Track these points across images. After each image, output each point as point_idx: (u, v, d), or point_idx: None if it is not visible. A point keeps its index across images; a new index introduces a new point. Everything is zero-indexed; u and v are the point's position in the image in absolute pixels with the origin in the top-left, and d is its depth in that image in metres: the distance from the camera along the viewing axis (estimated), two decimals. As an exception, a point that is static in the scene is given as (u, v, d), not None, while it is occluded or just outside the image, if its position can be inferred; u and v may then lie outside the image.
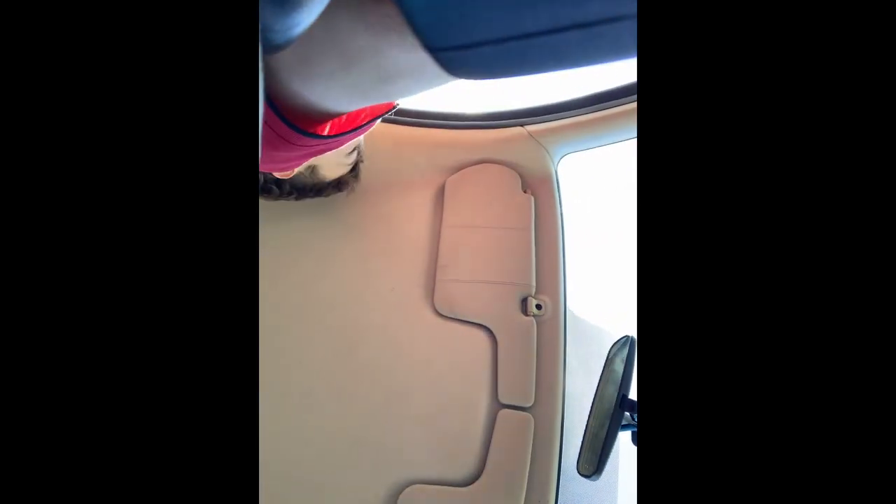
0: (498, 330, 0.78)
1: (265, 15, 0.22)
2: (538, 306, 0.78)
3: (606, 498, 0.93)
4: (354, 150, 0.68)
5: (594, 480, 0.62)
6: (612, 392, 0.65)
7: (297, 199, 0.72)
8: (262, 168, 0.52)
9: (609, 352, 0.72)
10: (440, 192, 0.86)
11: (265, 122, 0.36)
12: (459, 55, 0.30)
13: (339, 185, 0.74)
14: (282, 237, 0.84)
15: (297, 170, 0.62)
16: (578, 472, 0.65)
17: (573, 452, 0.69)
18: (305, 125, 0.41)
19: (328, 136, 0.44)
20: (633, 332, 0.70)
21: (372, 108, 0.48)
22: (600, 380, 0.69)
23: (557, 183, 0.84)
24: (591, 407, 0.68)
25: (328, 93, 0.38)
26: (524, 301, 0.79)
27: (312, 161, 0.62)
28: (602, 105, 0.78)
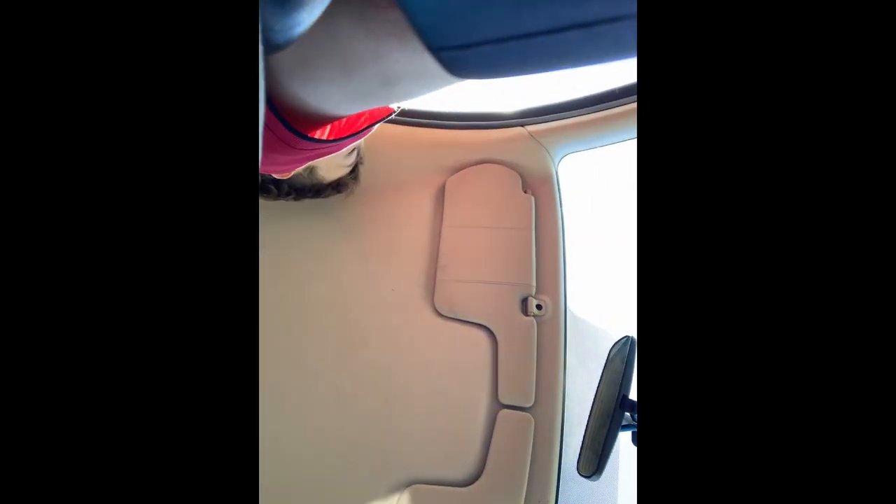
0: (498, 330, 0.78)
1: (266, 14, 0.22)
2: (538, 306, 0.78)
3: (606, 498, 0.93)
4: (353, 151, 0.68)
5: (594, 481, 0.62)
6: (612, 392, 0.65)
7: (295, 199, 0.72)
8: (261, 170, 0.52)
9: (609, 352, 0.72)
10: (440, 192, 0.86)
11: (266, 126, 0.36)
12: (461, 55, 0.30)
13: (338, 186, 0.74)
14: (282, 237, 0.85)
15: (295, 171, 0.62)
16: (578, 472, 0.65)
17: (573, 453, 0.69)
18: (306, 129, 0.41)
19: (328, 141, 0.44)
20: (633, 333, 0.70)
21: (371, 112, 0.48)
22: (600, 380, 0.69)
23: (558, 183, 0.84)
24: (592, 407, 0.68)
25: (329, 97, 0.38)
26: (524, 301, 0.79)
27: (311, 162, 0.62)
28: (602, 105, 0.79)
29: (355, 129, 0.47)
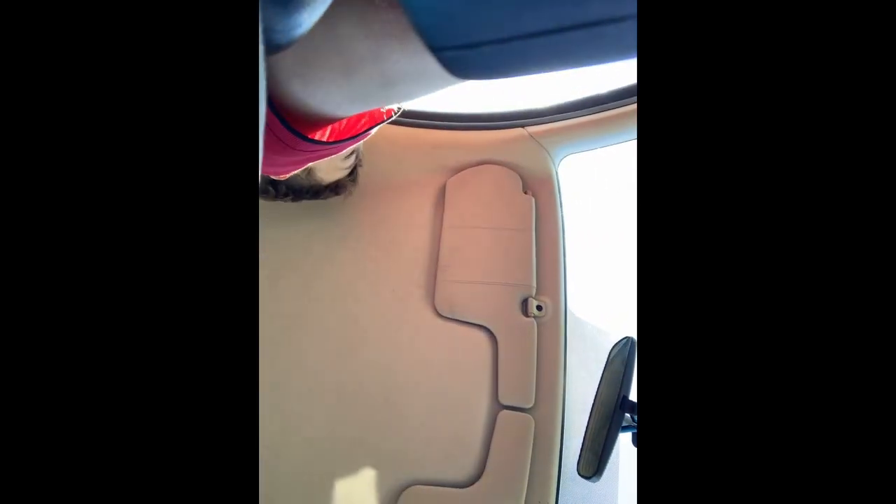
0: (498, 331, 0.78)
1: (267, 15, 0.22)
2: (539, 307, 0.78)
3: (606, 499, 0.93)
4: (352, 154, 0.68)
5: (594, 482, 0.62)
6: (612, 393, 0.65)
7: (293, 200, 0.72)
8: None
9: (609, 353, 0.72)
10: (441, 193, 0.86)
11: (266, 126, 0.36)
12: (462, 55, 0.30)
13: (336, 188, 0.74)
14: (282, 237, 0.85)
15: (293, 172, 0.62)
16: (579, 473, 0.65)
17: (573, 454, 0.69)
18: (306, 130, 0.41)
19: (328, 143, 0.44)
20: (634, 333, 0.70)
21: (371, 114, 0.48)
22: (600, 381, 0.69)
23: (558, 184, 0.84)
24: (592, 408, 0.68)
25: (330, 98, 0.38)
26: (525, 302, 0.79)
27: (309, 164, 0.62)
28: (603, 106, 0.79)
29: (355, 131, 0.47)
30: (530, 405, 0.75)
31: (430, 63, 0.31)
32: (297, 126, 0.40)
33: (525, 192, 0.83)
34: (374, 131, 0.50)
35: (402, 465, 0.74)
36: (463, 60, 0.31)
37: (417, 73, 0.33)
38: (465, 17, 0.28)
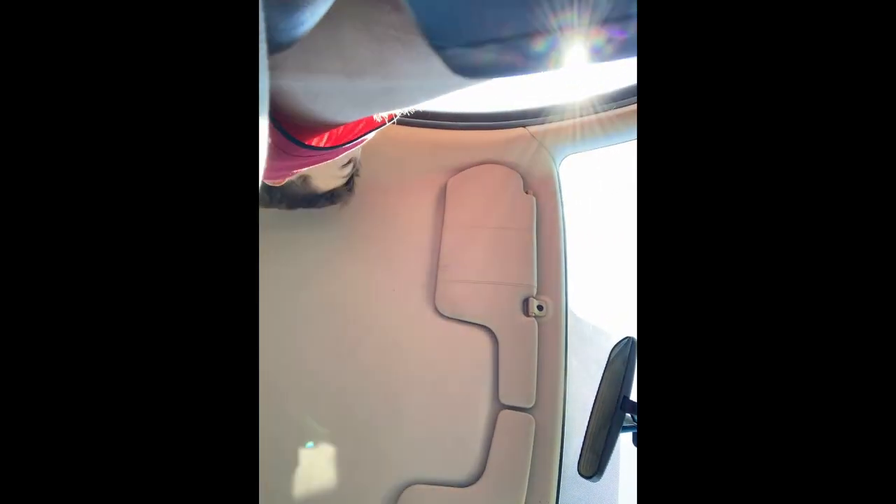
0: (499, 330, 0.78)
1: (269, 14, 0.22)
2: (539, 307, 0.78)
3: (607, 499, 0.93)
4: (349, 162, 0.66)
5: (595, 482, 0.62)
6: (612, 393, 0.65)
7: (288, 207, 0.70)
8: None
9: (610, 353, 0.72)
10: (442, 193, 0.86)
11: None
12: (465, 53, 0.30)
13: (332, 197, 0.72)
14: (283, 237, 0.85)
15: (288, 178, 0.60)
16: (579, 473, 0.65)
17: (574, 453, 0.69)
18: (303, 136, 0.40)
19: (325, 148, 0.43)
20: (634, 334, 0.70)
21: (369, 119, 0.47)
22: (601, 381, 0.69)
23: (559, 184, 0.84)
24: (592, 408, 0.68)
25: (331, 102, 0.38)
26: (525, 302, 0.79)
27: (305, 171, 0.60)
28: (604, 106, 0.79)
29: (353, 136, 0.46)
30: (531, 405, 0.75)
31: (435, 63, 0.31)
32: (296, 131, 0.39)
33: (526, 192, 0.83)
34: (371, 136, 0.49)
35: (402, 464, 0.74)
36: (467, 58, 0.31)
37: (421, 75, 0.33)
38: (469, 15, 0.28)
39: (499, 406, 0.76)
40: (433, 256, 0.83)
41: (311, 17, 0.25)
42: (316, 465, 0.75)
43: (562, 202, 0.84)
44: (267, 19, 0.22)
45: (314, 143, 0.42)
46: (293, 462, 0.75)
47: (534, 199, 0.83)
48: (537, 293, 0.79)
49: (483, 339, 0.79)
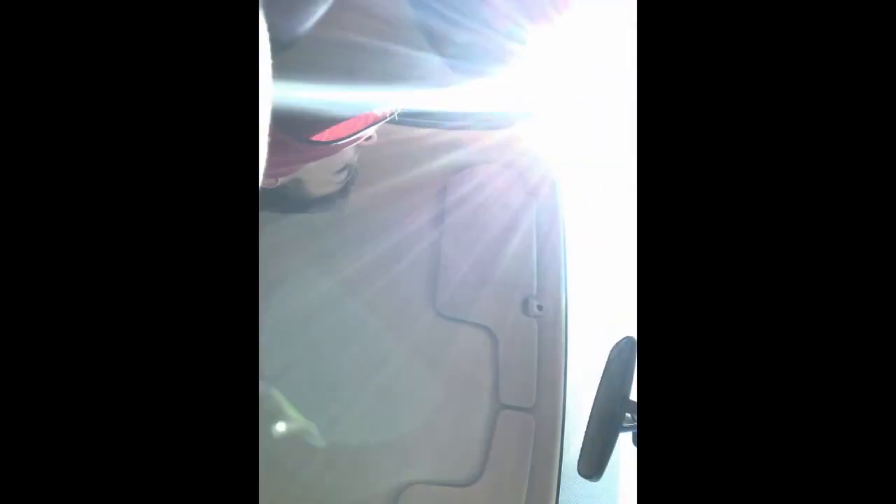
0: (499, 330, 0.78)
1: (270, 14, 0.22)
2: (539, 307, 0.78)
3: (607, 499, 0.93)
4: (345, 168, 0.63)
5: (595, 481, 0.62)
6: (612, 393, 0.65)
7: (280, 212, 0.68)
8: None
9: (610, 353, 0.72)
10: (442, 193, 0.86)
11: None
12: (465, 53, 0.30)
13: (325, 203, 0.69)
14: (282, 237, 0.85)
15: (280, 181, 0.58)
16: (579, 472, 0.65)
17: (574, 453, 0.69)
18: (301, 131, 0.40)
19: (322, 143, 0.43)
20: (634, 334, 0.70)
21: (367, 115, 0.46)
22: (601, 381, 0.69)
23: (559, 184, 0.84)
24: (592, 408, 0.68)
25: (331, 97, 0.38)
26: (525, 302, 0.79)
27: (299, 175, 0.58)
28: (601, 107, 0.78)
29: (351, 130, 0.46)
30: (531, 405, 0.75)
31: (435, 63, 0.31)
32: (294, 126, 0.39)
33: (526, 192, 0.83)
34: (370, 131, 0.49)
35: (402, 463, 0.74)
36: (467, 58, 0.31)
37: (421, 74, 0.33)
38: (469, 15, 0.28)
39: (499, 406, 0.76)
40: (433, 256, 0.83)
41: (311, 17, 0.25)
42: (316, 465, 0.75)
43: (562, 202, 0.84)
44: (267, 19, 0.22)
45: (313, 138, 0.42)
46: (293, 463, 0.75)
47: (534, 199, 0.83)
48: (537, 293, 0.79)
49: (483, 339, 0.79)
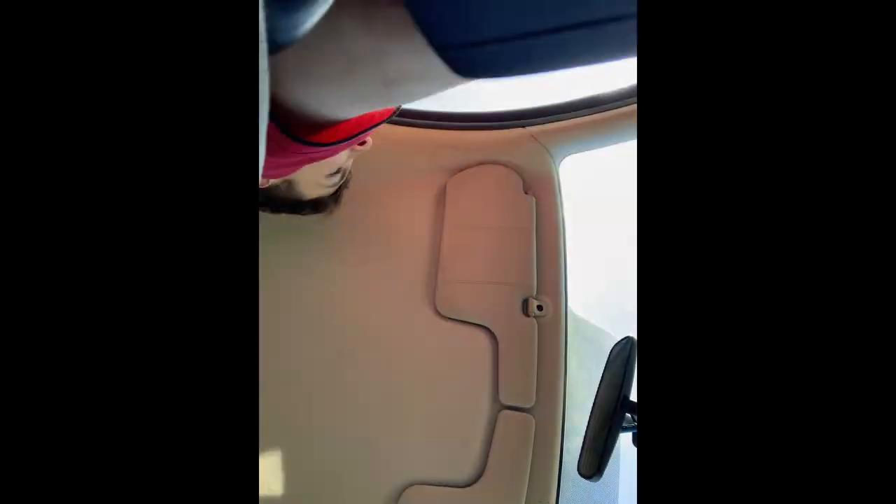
0: (499, 331, 0.78)
1: (269, 14, 0.22)
2: (539, 307, 0.78)
3: (607, 499, 0.93)
4: (338, 172, 0.62)
5: (595, 482, 0.62)
6: (612, 393, 0.65)
7: (271, 211, 0.67)
8: None
9: (610, 353, 0.72)
10: (442, 193, 0.86)
11: None
12: (466, 53, 0.30)
13: (316, 205, 0.69)
14: (282, 237, 0.85)
15: (272, 182, 0.58)
16: (579, 473, 0.65)
17: (574, 453, 0.69)
18: (300, 132, 0.40)
19: (321, 144, 0.43)
20: (634, 334, 0.70)
21: (367, 115, 0.46)
22: (601, 381, 0.69)
23: (559, 184, 0.84)
24: (592, 408, 0.68)
25: (329, 98, 0.38)
26: (525, 302, 0.79)
27: (291, 176, 0.57)
28: (603, 107, 0.79)
29: (351, 132, 0.45)
30: (531, 405, 0.75)
31: (434, 62, 0.31)
32: (293, 129, 0.39)
33: (526, 192, 0.83)
34: (369, 133, 0.49)
35: (402, 464, 0.74)
36: (467, 59, 0.31)
37: (421, 72, 0.33)
38: (470, 15, 0.27)
39: (499, 406, 0.76)
40: (433, 257, 0.83)
41: (311, 17, 0.25)
42: (316, 465, 0.75)
43: (561, 202, 0.84)
44: (267, 19, 0.22)
45: (311, 139, 0.42)
46: (293, 463, 0.75)
47: (533, 199, 0.83)
48: (537, 293, 0.79)
49: (483, 339, 0.79)
